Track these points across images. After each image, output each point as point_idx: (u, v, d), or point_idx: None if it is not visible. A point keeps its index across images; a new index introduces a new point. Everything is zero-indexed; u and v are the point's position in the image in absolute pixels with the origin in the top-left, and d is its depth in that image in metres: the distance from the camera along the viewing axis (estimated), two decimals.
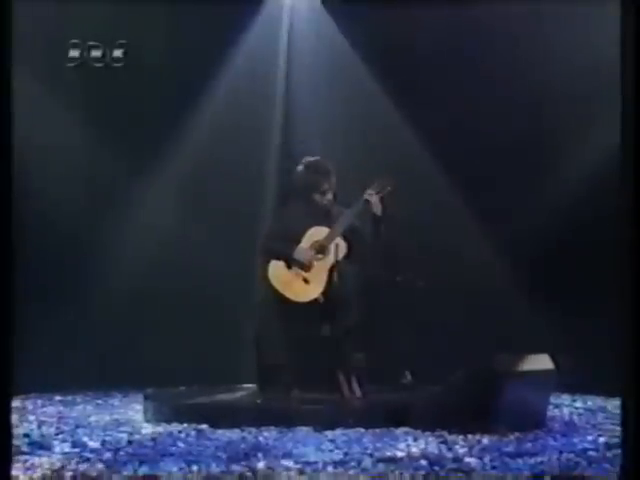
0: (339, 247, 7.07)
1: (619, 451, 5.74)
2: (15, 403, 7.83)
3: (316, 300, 7.03)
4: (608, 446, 5.92)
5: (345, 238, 7.11)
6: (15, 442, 6.10)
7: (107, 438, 6.22)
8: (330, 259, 7.05)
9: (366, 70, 8.86)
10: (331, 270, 7.04)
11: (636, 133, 4.14)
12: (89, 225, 9.01)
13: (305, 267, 7.02)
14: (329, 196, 7.17)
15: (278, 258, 7.08)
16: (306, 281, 7.06)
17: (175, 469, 5.20)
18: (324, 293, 7.02)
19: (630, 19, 4.16)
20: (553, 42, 8.54)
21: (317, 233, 7.12)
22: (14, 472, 5.16)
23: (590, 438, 6.16)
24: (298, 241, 7.10)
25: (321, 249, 7.07)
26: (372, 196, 7.08)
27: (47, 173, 8.89)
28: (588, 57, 8.30)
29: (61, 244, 8.83)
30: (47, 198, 8.87)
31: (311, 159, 7.26)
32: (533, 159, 8.58)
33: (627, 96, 4.16)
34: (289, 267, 7.07)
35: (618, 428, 6.55)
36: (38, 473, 5.18)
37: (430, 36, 8.66)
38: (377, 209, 7.09)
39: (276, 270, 7.08)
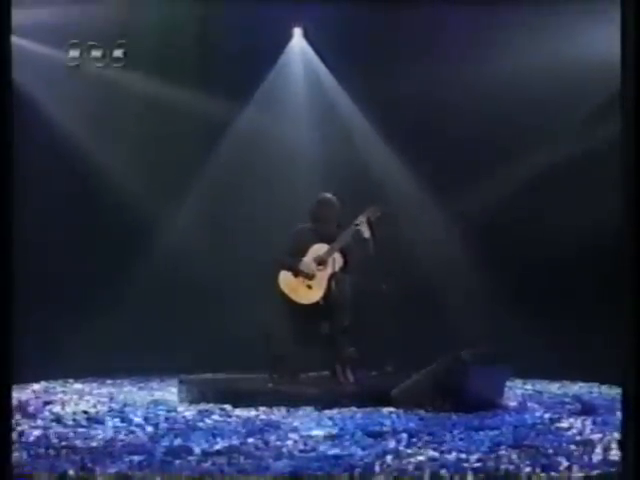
0: (336, 260, 7.12)
1: (562, 424, 5.82)
2: (76, 385, 7.88)
3: (317, 303, 7.06)
4: (551, 420, 5.98)
5: (342, 253, 7.16)
6: (76, 417, 6.19)
7: (149, 415, 6.25)
8: (329, 270, 7.10)
9: (365, 118, 8.72)
10: (330, 279, 7.08)
11: (636, 134, 3.69)
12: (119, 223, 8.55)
13: (309, 276, 7.09)
14: (334, 224, 7.22)
15: (287, 269, 7.13)
16: (309, 287, 7.11)
17: (203, 440, 5.24)
18: (324, 297, 7.05)
19: (630, 19, 3.71)
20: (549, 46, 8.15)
21: (319, 249, 7.17)
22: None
23: (538, 414, 6.22)
24: (303, 255, 7.15)
25: (322, 262, 7.12)
26: (363, 224, 7.15)
27: (48, 173, 8.26)
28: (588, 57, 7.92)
29: (93, 244, 8.52)
30: (51, 197, 8.31)
31: (322, 195, 7.31)
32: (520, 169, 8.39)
33: (627, 96, 3.71)
34: (295, 276, 7.12)
35: (560, 405, 6.62)
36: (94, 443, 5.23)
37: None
38: (366, 234, 7.15)
39: (285, 278, 7.13)
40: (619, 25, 3.78)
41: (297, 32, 8.83)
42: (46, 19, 7.97)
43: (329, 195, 7.31)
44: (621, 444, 3.88)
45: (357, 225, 7.15)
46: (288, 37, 8.84)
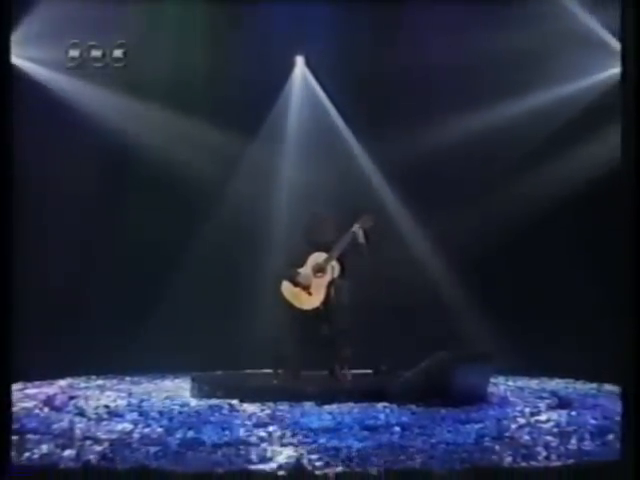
0: (334, 268, 7.10)
1: (540, 417, 5.82)
2: (98, 382, 7.85)
3: (318, 308, 7.04)
4: (531, 414, 5.97)
5: (339, 261, 7.14)
6: (98, 411, 6.18)
7: (164, 409, 6.24)
8: (328, 277, 7.07)
9: (363, 142, 8.57)
10: (329, 285, 7.05)
11: (637, 137, 3.47)
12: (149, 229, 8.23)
13: (305, 287, 7.07)
14: (328, 235, 7.18)
15: (287, 279, 7.12)
16: (309, 294, 7.09)
17: (214, 433, 5.25)
18: (323, 303, 7.03)
19: (630, 19, 3.44)
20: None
21: (318, 257, 7.13)
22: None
23: (518, 408, 6.21)
24: (302, 265, 7.12)
25: (320, 269, 7.09)
26: (358, 230, 7.14)
27: (49, 174, 7.88)
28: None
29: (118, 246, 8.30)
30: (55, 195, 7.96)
31: (315, 210, 7.33)
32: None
33: (627, 98, 3.48)
34: (295, 285, 7.10)
35: (539, 400, 6.61)
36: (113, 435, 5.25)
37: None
38: (361, 239, 7.15)
39: (287, 287, 7.11)
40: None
41: (299, 60, 8.80)
42: (46, 19, 7.36)
43: (319, 209, 7.34)
44: (622, 432, 3.73)
45: (352, 233, 7.13)
46: (291, 65, 8.79)
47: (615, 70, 7.53)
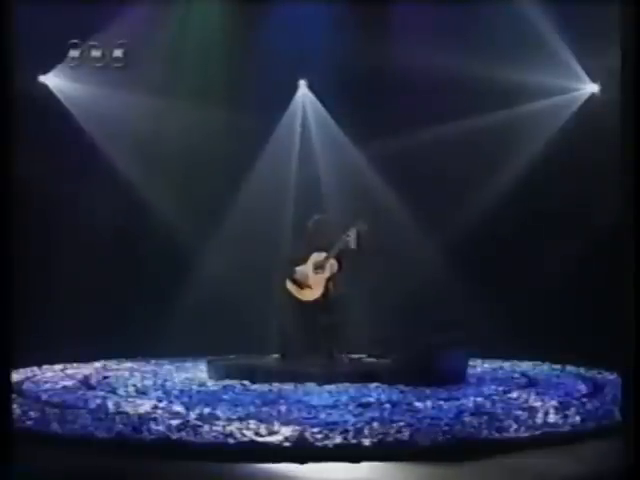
0: (332, 265, 7.11)
1: (512, 395, 5.82)
2: (127, 364, 7.81)
3: (318, 300, 7.05)
4: (504, 392, 5.97)
5: (337, 259, 7.14)
6: (127, 389, 6.17)
7: (184, 389, 6.24)
8: (326, 273, 7.08)
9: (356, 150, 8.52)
10: (328, 280, 7.07)
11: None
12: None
13: (307, 281, 7.06)
14: (327, 237, 7.17)
15: (293, 274, 7.10)
16: (311, 287, 7.09)
17: (227, 409, 5.25)
18: (323, 296, 7.04)
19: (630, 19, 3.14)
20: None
21: (318, 256, 7.14)
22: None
23: (493, 387, 6.20)
24: (305, 262, 7.11)
25: (320, 266, 7.11)
26: (352, 234, 7.14)
27: (49, 172, 7.50)
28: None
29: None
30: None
31: (316, 217, 7.31)
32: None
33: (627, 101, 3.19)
34: (293, 282, 7.09)
35: (510, 380, 6.59)
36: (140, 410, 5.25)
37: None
38: (353, 243, 7.12)
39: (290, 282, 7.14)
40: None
41: (302, 83, 8.80)
42: (46, 19, 6.83)
43: (322, 216, 7.34)
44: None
45: (348, 236, 7.13)
46: (295, 88, 8.80)
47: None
